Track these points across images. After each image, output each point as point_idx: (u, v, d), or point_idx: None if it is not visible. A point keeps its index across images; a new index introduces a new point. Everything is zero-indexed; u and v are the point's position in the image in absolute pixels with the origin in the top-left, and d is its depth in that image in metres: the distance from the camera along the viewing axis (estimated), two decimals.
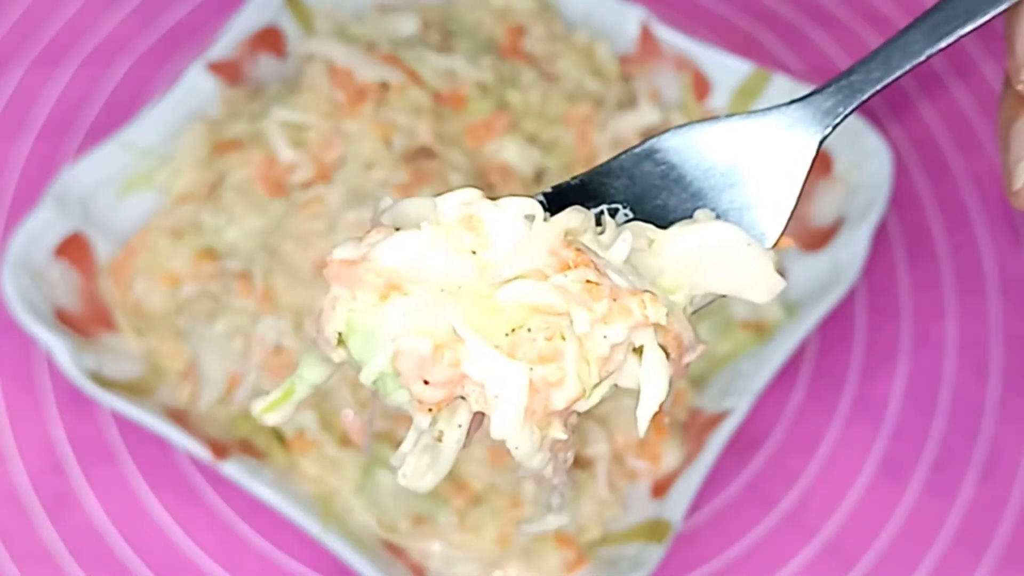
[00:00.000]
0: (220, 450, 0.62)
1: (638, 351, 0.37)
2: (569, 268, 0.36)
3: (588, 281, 0.36)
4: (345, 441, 0.63)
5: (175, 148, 0.70)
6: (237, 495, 0.65)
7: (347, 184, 0.67)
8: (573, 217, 0.37)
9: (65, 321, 0.65)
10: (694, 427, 0.65)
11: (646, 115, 0.72)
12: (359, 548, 0.60)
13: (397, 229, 0.37)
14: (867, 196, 0.69)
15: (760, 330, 0.67)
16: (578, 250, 0.37)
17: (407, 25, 0.74)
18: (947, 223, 0.74)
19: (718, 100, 0.73)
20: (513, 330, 0.36)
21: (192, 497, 0.66)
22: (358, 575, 0.60)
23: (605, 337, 0.36)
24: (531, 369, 0.36)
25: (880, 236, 0.72)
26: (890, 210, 0.74)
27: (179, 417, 0.63)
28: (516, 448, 0.36)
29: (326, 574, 0.64)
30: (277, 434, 0.64)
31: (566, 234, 0.37)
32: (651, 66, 0.75)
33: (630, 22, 0.75)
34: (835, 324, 0.70)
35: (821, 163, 0.71)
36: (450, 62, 0.71)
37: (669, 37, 0.74)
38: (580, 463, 0.64)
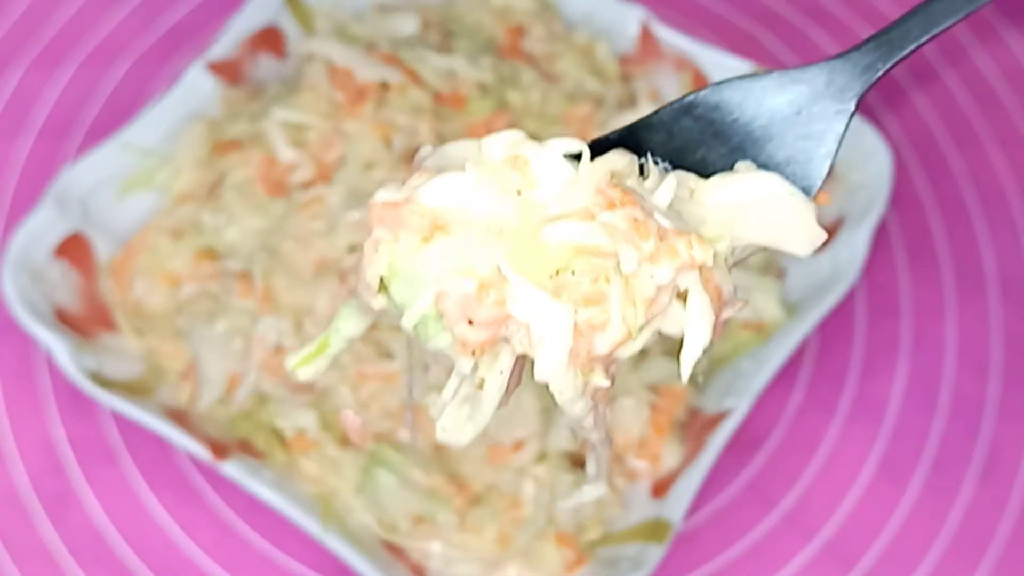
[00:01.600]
0: (220, 450, 0.62)
1: (682, 297, 0.37)
2: (615, 207, 0.36)
3: (635, 220, 0.36)
4: (345, 441, 0.63)
5: (175, 148, 0.70)
6: (237, 495, 0.65)
7: (347, 184, 0.67)
8: (618, 159, 0.37)
9: (65, 321, 0.65)
10: (694, 427, 0.65)
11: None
12: (359, 548, 0.60)
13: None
14: (867, 196, 0.69)
15: (760, 330, 0.67)
16: (624, 190, 0.36)
17: (407, 25, 0.74)
18: (947, 223, 0.74)
19: None
20: (558, 272, 0.35)
21: (192, 497, 0.66)
22: (358, 575, 0.60)
23: (652, 277, 0.36)
24: (576, 311, 0.35)
25: (880, 236, 0.72)
26: (890, 210, 0.74)
27: (179, 417, 0.63)
28: (560, 393, 0.36)
29: (326, 574, 0.64)
30: (277, 434, 0.64)
31: (611, 176, 0.37)
32: (651, 66, 0.75)
33: (630, 22, 0.75)
34: (835, 324, 0.70)
35: None
36: (450, 62, 0.71)
37: (669, 37, 0.74)
38: (580, 463, 0.64)
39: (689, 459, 0.63)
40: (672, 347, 0.68)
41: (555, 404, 0.37)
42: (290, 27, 0.74)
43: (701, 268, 0.36)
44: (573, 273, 0.35)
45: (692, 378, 0.37)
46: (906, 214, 0.74)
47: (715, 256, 0.37)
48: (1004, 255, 0.73)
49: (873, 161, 0.69)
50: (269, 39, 0.73)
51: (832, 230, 0.69)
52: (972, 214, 0.74)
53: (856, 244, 0.67)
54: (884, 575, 0.65)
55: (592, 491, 0.44)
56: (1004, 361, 0.70)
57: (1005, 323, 0.71)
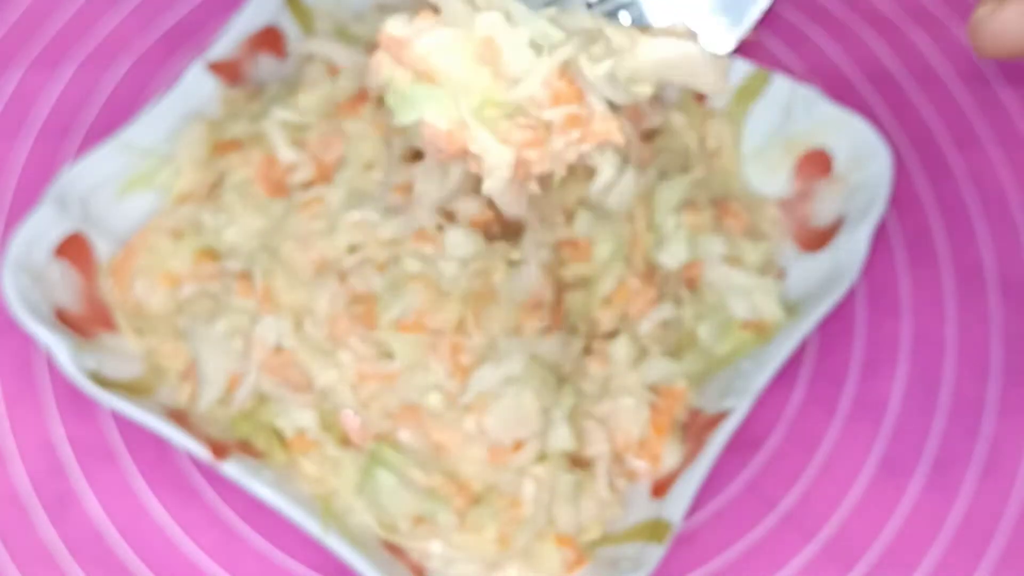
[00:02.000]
0: (220, 450, 0.62)
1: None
2: (559, 102, 0.47)
3: (572, 116, 0.47)
4: (345, 441, 0.63)
5: (175, 148, 0.70)
6: (237, 495, 0.65)
7: (347, 184, 0.67)
8: (571, 48, 0.47)
9: (65, 321, 0.65)
10: (694, 427, 0.65)
11: (646, 116, 0.72)
12: (359, 548, 0.60)
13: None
14: (867, 196, 0.68)
15: (760, 330, 0.67)
16: (570, 81, 0.47)
17: None
18: (947, 223, 0.74)
19: (718, 100, 0.73)
20: (509, 117, 0.47)
21: (192, 497, 0.66)
22: (358, 575, 0.60)
23: (577, 148, 0.48)
24: (517, 150, 0.47)
25: (880, 236, 0.72)
26: (890, 210, 0.74)
27: (179, 417, 0.63)
28: (501, 200, 0.49)
29: (326, 574, 0.64)
30: (277, 434, 0.64)
31: (565, 64, 0.47)
32: None
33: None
34: (835, 324, 0.70)
35: (820, 163, 0.71)
36: None
37: None
38: (580, 463, 0.64)
39: (689, 459, 0.63)
40: (672, 348, 0.68)
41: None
42: (290, 27, 0.74)
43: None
44: (520, 126, 0.47)
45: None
46: (906, 214, 0.74)
47: (640, 96, 0.49)
48: (1004, 255, 0.73)
49: (873, 161, 0.69)
50: (269, 39, 0.73)
51: (832, 230, 0.69)
52: (972, 214, 0.74)
53: (856, 244, 0.67)
54: (884, 575, 0.65)
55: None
56: (1004, 361, 0.70)
57: (1005, 323, 0.71)
